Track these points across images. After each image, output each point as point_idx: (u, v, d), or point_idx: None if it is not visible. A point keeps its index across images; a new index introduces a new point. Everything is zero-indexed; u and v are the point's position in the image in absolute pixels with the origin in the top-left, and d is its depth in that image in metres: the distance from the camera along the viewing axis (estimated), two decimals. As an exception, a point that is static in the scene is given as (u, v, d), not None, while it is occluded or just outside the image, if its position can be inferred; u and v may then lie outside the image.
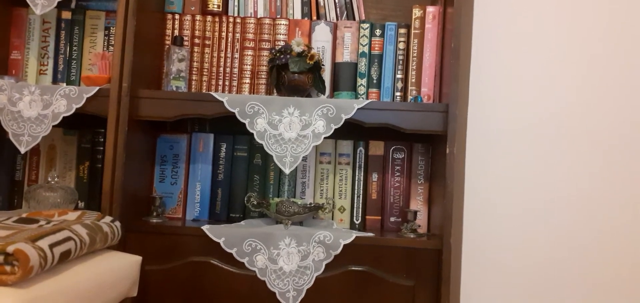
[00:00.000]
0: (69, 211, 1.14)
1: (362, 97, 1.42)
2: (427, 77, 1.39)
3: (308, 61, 1.34)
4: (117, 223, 1.15)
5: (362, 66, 1.42)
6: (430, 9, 1.39)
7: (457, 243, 1.47)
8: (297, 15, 1.47)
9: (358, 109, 1.26)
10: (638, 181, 1.45)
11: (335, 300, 1.25)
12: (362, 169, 1.42)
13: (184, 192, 1.43)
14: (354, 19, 1.47)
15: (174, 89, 1.37)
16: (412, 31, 1.40)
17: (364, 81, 1.42)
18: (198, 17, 1.45)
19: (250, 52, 1.44)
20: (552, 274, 1.46)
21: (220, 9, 1.47)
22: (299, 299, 1.24)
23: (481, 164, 1.48)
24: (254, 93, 1.44)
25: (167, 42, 1.44)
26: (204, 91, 1.43)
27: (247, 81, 1.44)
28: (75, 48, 1.44)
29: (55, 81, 1.43)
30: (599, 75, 1.46)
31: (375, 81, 1.42)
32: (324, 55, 1.43)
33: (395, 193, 1.41)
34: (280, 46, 1.40)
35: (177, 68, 1.38)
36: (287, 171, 1.25)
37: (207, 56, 1.44)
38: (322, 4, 1.47)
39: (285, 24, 1.44)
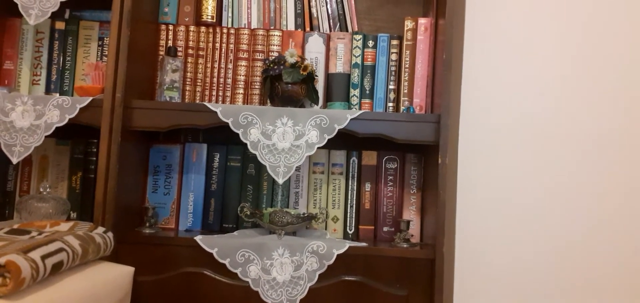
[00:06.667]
0: (61, 222, 1.13)
1: (355, 108, 1.43)
2: (419, 88, 1.40)
3: (301, 72, 1.35)
4: (110, 234, 1.14)
5: (355, 76, 1.43)
6: (422, 21, 1.41)
7: (450, 252, 1.48)
8: (291, 26, 1.48)
9: (351, 119, 1.27)
10: (628, 178, 1.46)
11: (329, 310, 1.25)
12: (355, 179, 1.43)
13: (176, 202, 1.43)
14: (347, 31, 1.48)
15: (168, 99, 1.37)
16: (405, 42, 1.42)
17: (356, 92, 1.43)
18: (192, 28, 1.45)
19: (243, 63, 1.45)
20: (545, 282, 1.46)
21: (214, 20, 1.47)
22: (293, 309, 1.24)
23: (473, 173, 1.49)
24: (247, 104, 1.45)
25: (161, 52, 1.44)
26: (197, 102, 1.44)
27: (241, 91, 1.45)
28: (68, 58, 1.43)
29: (48, 91, 1.42)
30: (590, 82, 1.49)
31: (368, 92, 1.43)
32: (317, 66, 1.44)
33: (388, 202, 1.42)
34: (273, 57, 1.41)
35: (171, 78, 1.38)
36: (280, 181, 1.26)
37: (200, 67, 1.45)
38: (315, 15, 1.48)
39: (279, 35, 1.45)
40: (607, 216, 1.46)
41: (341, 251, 1.25)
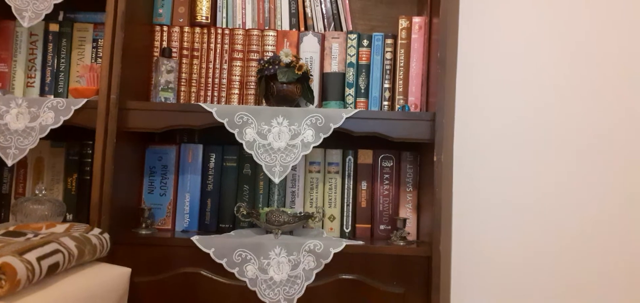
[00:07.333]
0: (57, 223, 1.13)
1: (351, 107, 1.43)
2: (414, 87, 1.41)
3: (296, 72, 1.35)
4: (106, 235, 1.14)
5: (350, 75, 1.44)
6: (416, 20, 1.41)
7: (447, 249, 1.49)
8: (285, 26, 1.48)
9: (346, 118, 1.27)
10: (627, 178, 1.47)
11: (326, 309, 1.25)
12: (352, 177, 1.43)
13: (173, 203, 1.42)
14: (342, 30, 1.48)
15: (163, 100, 1.37)
16: (399, 41, 1.42)
17: (352, 91, 1.44)
18: (186, 28, 1.45)
19: (238, 63, 1.45)
20: (542, 279, 1.47)
21: (209, 21, 1.47)
22: (290, 309, 1.24)
23: (469, 171, 1.50)
24: (242, 104, 1.45)
25: (156, 53, 1.44)
26: (192, 102, 1.44)
27: (236, 91, 1.45)
28: (63, 60, 1.43)
29: (42, 93, 1.42)
30: (585, 79, 1.49)
31: (363, 91, 1.43)
32: (312, 65, 1.44)
33: (385, 201, 1.42)
34: (268, 57, 1.41)
35: (166, 79, 1.38)
36: (276, 180, 1.26)
37: (195, 67, 1.45)
38: (309, 15, 1.49)
39: (274, 35, 1.46)
40: (606, 215, 1.46)
41: (338, 249, 1.25)
